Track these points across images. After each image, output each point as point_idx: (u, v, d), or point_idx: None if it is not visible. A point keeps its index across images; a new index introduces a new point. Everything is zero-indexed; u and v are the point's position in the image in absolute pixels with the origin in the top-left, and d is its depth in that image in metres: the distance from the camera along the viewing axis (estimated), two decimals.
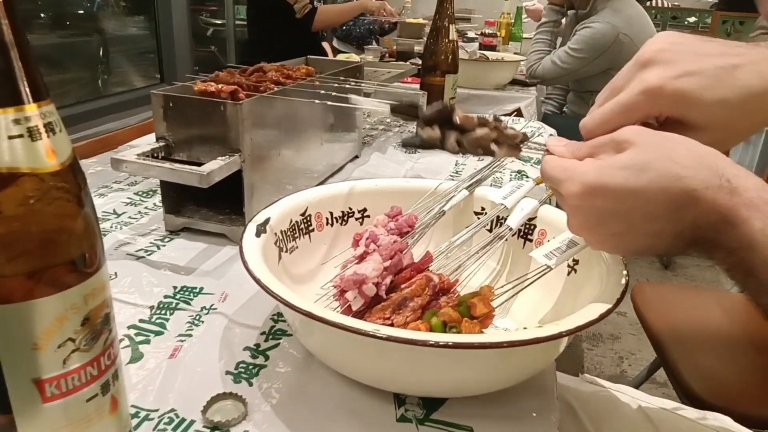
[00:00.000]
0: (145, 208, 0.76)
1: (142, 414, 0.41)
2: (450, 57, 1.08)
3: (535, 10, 2.46)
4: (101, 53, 2.42)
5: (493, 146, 0.44)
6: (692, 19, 5.11)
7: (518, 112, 1.68)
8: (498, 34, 2.48)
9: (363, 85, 0.85)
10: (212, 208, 0.70)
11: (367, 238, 0.54)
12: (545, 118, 2.06)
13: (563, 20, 2.15)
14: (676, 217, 0.35)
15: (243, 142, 0.63)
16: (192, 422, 0.40)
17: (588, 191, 0.36)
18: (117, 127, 1.63)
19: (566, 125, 1.96)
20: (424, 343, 0.36)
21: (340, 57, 1.95)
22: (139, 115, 1.77)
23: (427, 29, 2.31)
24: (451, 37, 1.07)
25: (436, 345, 0.35)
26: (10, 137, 0.26)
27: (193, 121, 0.64)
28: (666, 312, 1.19)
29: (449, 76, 1.09)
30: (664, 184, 0.34)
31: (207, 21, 3.65)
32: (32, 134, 0.27)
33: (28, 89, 0.27)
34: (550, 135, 1.21)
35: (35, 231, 0.28)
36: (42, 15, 2.18)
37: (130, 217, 0.73)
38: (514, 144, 0.44)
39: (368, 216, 0.62)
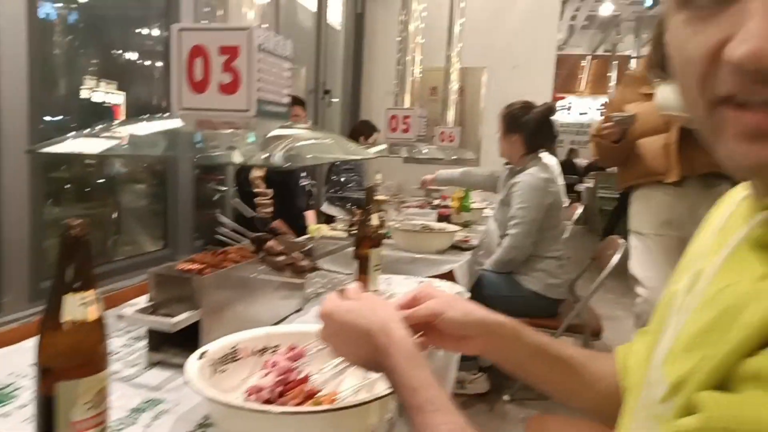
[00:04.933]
0: (135, 348, 1.09)
1: None
2: (374, 237, 1.47)
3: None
4: (113, 217, 2.83)
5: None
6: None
7: (451, 273, 2.05)
8: (451, 206, 2.97)
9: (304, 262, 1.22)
10: (180, 346, 1.02)
11: (271, 364, 0.86)
12: (481, 278, 2.38)
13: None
14: (363, 342, 0.62)
15: (203, 302, 0.98)
16: None
17: (323, 313, 0.67)
18: (122, 286, 2.00)
19: (497, 281, 2.30)
20: (281, 412, 0.67)
21: (312, 228, 2.37)
22: (141, 276, 2.14)
23: (386, 206, 2.79)
24: (374, 223, 1.47)
25: (281, 413, 0.67)
26: (79, 305, 0.61)
27: (173, 288, 0.99)
28: None
29: (373, 249, 1.48)
30: (357, 321, 0.64)
31: (214, 188, 4.18)
32: (88, 304, 0.62)
33: (90, 282, 0.62)
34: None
35: (85, 347, 0.61)
36: (67, 186, 2.62)
37: (123, 354, 1.05)
38: (300, 270, 0.81)
39: (280, 350, 0.94)
